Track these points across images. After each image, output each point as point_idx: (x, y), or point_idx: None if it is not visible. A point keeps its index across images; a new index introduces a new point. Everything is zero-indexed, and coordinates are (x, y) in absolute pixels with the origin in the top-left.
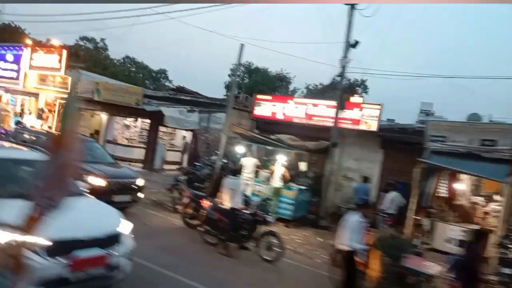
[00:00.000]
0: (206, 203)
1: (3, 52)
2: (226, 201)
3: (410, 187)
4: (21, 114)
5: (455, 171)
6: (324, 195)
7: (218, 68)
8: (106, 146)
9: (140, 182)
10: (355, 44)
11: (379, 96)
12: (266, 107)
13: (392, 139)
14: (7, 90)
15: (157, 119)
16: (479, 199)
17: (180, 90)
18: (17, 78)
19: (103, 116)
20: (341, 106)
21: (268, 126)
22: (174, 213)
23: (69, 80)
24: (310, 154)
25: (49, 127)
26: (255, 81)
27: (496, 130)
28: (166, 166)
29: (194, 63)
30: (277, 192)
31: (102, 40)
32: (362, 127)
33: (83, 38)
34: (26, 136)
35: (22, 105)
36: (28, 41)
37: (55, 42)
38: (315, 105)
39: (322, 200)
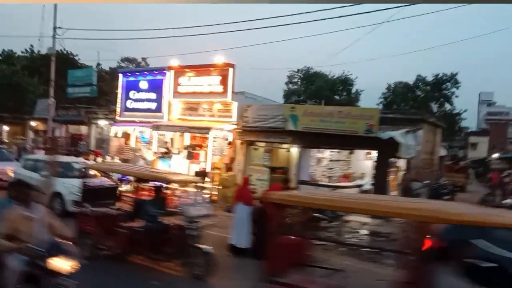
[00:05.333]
0: None
1: (132, 79)
2: None
3: None
4: (167, 154)
5: None
6: None
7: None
8: (299, 188)
9: None
10: None
11: None
12: None
13: None
14: (157, 127)
15: (387, 148)
16: None
17: None
18: (157, 110)
19: (293, 150)
20: None
21: None
22: None
23: (234, 106)
24: None
25: (230, 169)
26: (320, 87)
27: None
28: None
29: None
30: None
31: (144, 59)
32: None
33: (124, 60)
34: None
35: (166, 142)
36: (173, 62)
37: (218, 58)
38: None
39: None
